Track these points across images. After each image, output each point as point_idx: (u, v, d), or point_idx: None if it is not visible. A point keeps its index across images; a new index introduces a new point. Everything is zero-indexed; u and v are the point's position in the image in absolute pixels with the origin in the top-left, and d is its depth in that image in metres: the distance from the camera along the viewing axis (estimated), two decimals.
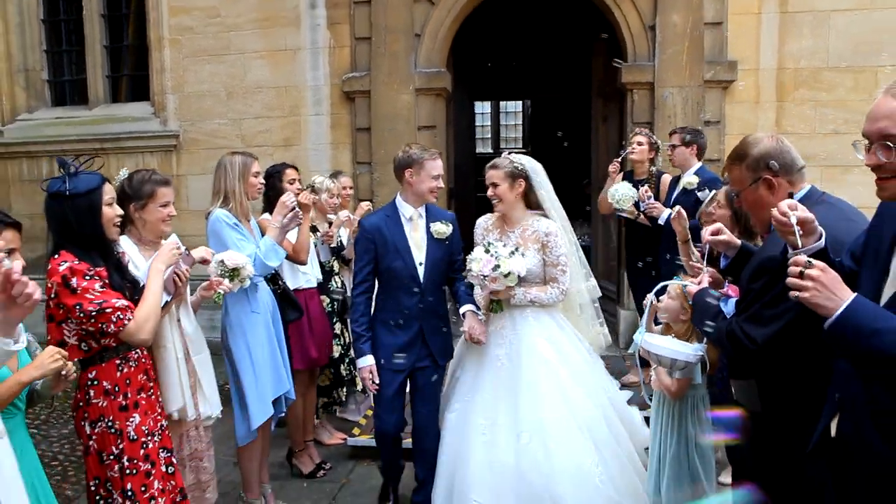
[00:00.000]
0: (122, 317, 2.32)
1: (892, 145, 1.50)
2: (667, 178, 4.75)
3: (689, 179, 4.39)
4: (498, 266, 3.07)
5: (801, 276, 1.58)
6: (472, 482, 3.11)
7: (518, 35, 8.79)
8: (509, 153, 3.41)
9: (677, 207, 3.40)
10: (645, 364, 3.47)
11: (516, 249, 3.15)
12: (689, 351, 2.67)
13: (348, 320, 3.22)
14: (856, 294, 1.57)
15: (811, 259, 1.60)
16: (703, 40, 5.68)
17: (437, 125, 6.20)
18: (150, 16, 6.64)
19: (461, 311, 3.33)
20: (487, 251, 3.13)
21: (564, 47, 8.80)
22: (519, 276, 3.12)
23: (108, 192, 2.50)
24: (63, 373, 2.16)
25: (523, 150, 14.08)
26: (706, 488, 2.94)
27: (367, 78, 6.09)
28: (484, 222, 3.47)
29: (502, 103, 14.44)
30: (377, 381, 3.24)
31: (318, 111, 6.36)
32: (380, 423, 3.38)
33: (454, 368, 3.53)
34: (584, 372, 3.31)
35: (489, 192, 3.30)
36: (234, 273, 2.95)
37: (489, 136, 14.63)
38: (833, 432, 1.76)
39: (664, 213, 4.43)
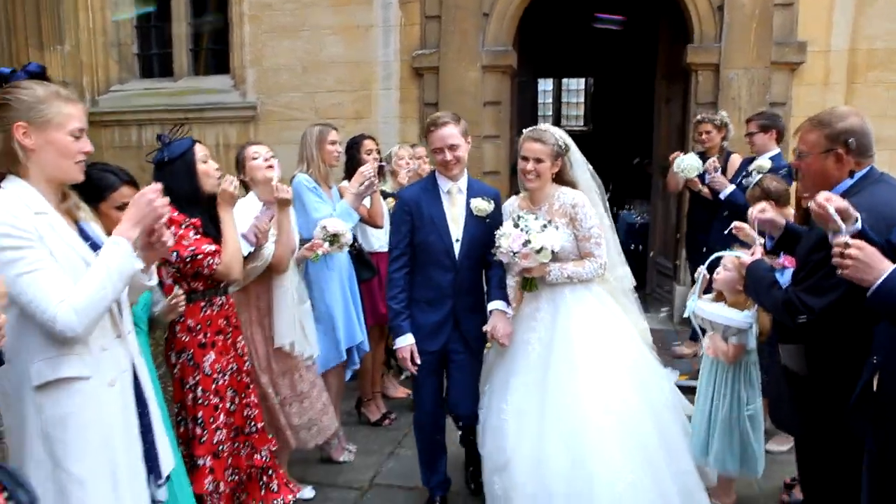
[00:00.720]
0: (212, 261, 2.69)
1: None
2: (736, 158, 4.85)
3: (762, 163, 4.45)
4: (529, 241, 2.84)
5: (842, 255, 1.80)
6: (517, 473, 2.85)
7: (584, 13, 8.83)
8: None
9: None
10: (695, 337, 3.62)
11: (549, 222, 2.92)
12: (740, 318, 2.85)
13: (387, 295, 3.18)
14: (894, 266, 1.75)
15: (849, 240, 1.80)
16: (772, 21, 5.66)
17: (501, 101, 6.39)
18: None
19: (488, 308, 3.12)
20: (517, 225, 2.89)
21: (629, 26, 8.80)
22: (553, 252, 2.89)
23: (200, 150, 2.86)
24: (173, 302, 2.57)
25: (584, 129, 14.08)
26: (755, 451, 3.13)
27: (435, 55, 6.31)
28: (510, 205, 3.19)
29: (564, 81, 14.42)
30: (417, 362, 3.08)
31: (388, 86, 6.63)
32: (420, 414, 3.28)
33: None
34: (633, 361, 3.03)
35: (527, 167, 2.98)
36: (334, 238, 3.34)
37: (550, 113, 14.67)
38: (875, 388, 1.95)
39: (727, 189, 4.55)
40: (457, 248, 3.08)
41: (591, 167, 3.25)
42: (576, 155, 3.16)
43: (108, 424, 1.92)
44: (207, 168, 2.85)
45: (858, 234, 1.87)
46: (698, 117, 5.04)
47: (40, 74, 1.94)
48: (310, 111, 6.83)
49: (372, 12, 6.57)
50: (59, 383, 1.84)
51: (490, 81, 6.27)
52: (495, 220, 3.09)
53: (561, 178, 3.08)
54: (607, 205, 3.32)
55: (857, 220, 1.90)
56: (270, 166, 3.17)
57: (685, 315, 3.19)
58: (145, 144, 7.41)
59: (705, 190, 4.77)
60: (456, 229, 3.08)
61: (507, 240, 2.88)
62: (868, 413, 1.99)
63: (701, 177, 4.80)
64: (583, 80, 14.22)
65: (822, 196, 1.94)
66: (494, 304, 3.10)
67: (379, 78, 6.65)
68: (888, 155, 5.37)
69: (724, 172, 4.74)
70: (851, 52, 5.70)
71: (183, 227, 2.68)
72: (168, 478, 2.21)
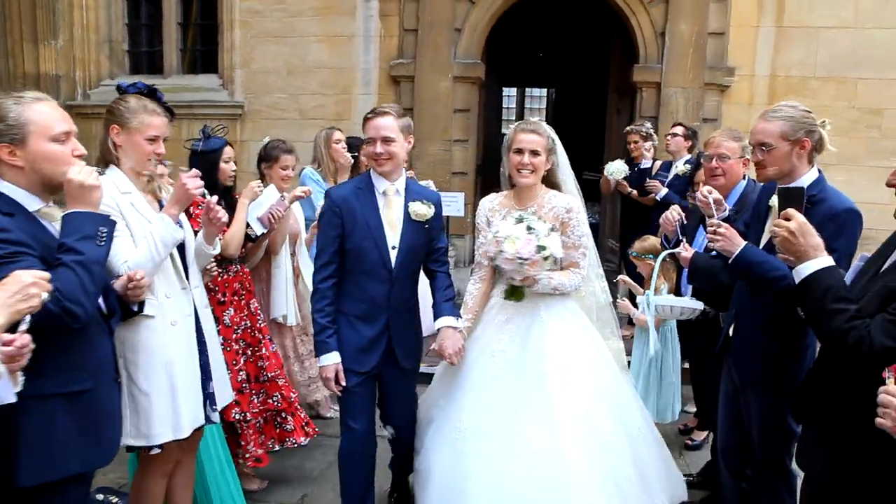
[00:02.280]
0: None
1: (764, 149, 2.43)
2: (657, 163, 5.71)
3: (683, 168, 5.30)
4: (543, 248, 2.61)
5: (714, 234, 2.56)
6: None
7: (545, 29, 9.63)
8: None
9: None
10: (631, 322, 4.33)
11: (553, 227, 2.73)
12: (697, 305, 3.18)
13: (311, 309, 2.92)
14: (746, 242, 2.53)
15: (721, 222, 2.58)
16: (706, 48, 6.53)
17: (470, 108, 7.13)
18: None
19: (436, 326, 2.85)
20: (520, 222, 2.68)
21: (586, 43, 9.64)
22: (555, 260, 2.69)
23: (229, 152, 3.48)
24: (208, 267, 3.16)
25: None
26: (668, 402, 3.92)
27: (412, 65, 7.00)
28: (489, 203, 3.00)
29: (528, 90, 15.28)
30: (343, 383, 2.78)
31: (367, 91, 7.29)
32: (349, 434, 2.88)
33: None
34: (609, 386, 2.83)
35: (523, 159, 2.79)
36: None
37: (513, 118, 15.50)
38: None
39: (662, 191, 5.37)
40: (393, 256, 2.79)
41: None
42: (562, 157, 2.96)
43: (169, 354, 2.51)
44: (227, 168, 3.47)
45: (725, 220, 2.65)
46: (627, 128, 5.91)
47: (147, 91, 2.55)
48: (294, 111, 7.44)
49: (354, 23, 7.22)
50: (133, 319, 2.44)
51: (460, 91, 6.99)
52: (433, 225, 2.89)
53: (548, 180, 2.92)
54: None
55: (726, 209, 2.67)
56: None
57: (642, 309, 3.39)
58: None
59: (634, 192, 5.63)
60: (392, 235, 2.79)
61: (514, 244, 2.62)
62: (727, 354, 2.77)
63: (632, 179, 5.67)
64: (545, 90, 15.11)
65: (706, 189, 2.70)
66: (443, 321, 2.83)
67: (359, 83, 7.29)
68: None
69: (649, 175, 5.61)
70: (772, 77, 6.61)
71: (199, 207, 3.31)
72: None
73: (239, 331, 3.45)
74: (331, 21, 7.27)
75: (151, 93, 2.56)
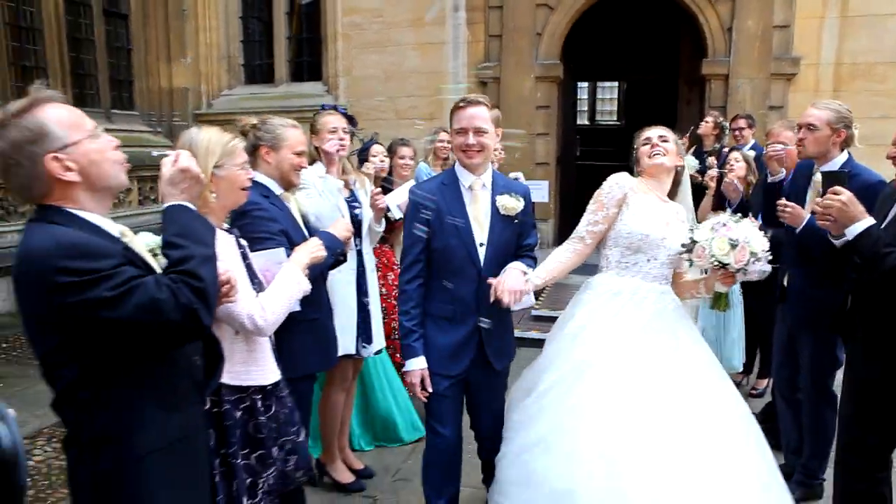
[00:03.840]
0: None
1: (810, 129, 3.09)
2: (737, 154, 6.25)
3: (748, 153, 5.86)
4: (755, 255, 2.51)
5: (783, 211, 3.22)
6: None
7: (617, 26, 10.20)
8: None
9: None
10: None
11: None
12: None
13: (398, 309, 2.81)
14: (810, 215, 3.19)
15: (787, 202, 3.24)
16: (772, 40, 7.01)
17: (550, 105, 7.85)
18: (327, 15, 8.59)
19: (507, 267, 2.64)
20: (740, 222, 2.57)
21: (656, 38, 10.15)
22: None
23: (375, 150, 4.34)
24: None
25: (619, 123, 15.46)
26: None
27: (497, 67, 7.79)
28: (628, 181, 2.77)
29: (599, 84, 15.81)
30: (429, 389, 2.68)
31: (457, 93, 8.11)
32: (436, 439, 2.78)
33: (541, 371, 2.78)
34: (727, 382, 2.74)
35: (655, 147, 2.76)
36: None
37: (586, 109, 16.05)
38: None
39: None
40: (482, 253, 2.67)
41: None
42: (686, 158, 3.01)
43: (336, 293, 3.26)
44: (377, 161, 4.28)
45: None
46: (708, 112, 6.43)
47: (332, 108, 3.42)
48: (391, 112, 8.36)
49: (444, 32, 8.08)
50: None
51: (542, 89, 7.73)
52: (524, 220, 2.78)
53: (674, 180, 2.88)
54: None
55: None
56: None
57: None
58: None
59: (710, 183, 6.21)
60: (480, 232, 2.68)
61: (732, 255, 2.50)
62: (783, 303, 3.44)
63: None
64: (616, 84, 15.59)
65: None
66: (514, 264, 2.66)
67: (449, 85, 8.14)
68: (867, 150, 6.68)
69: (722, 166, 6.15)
70: (837, 65, 7.02)
71: None
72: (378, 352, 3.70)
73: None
74: (424, 31, 8.15)
75: (334, 108, 3.42)
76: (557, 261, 2.82)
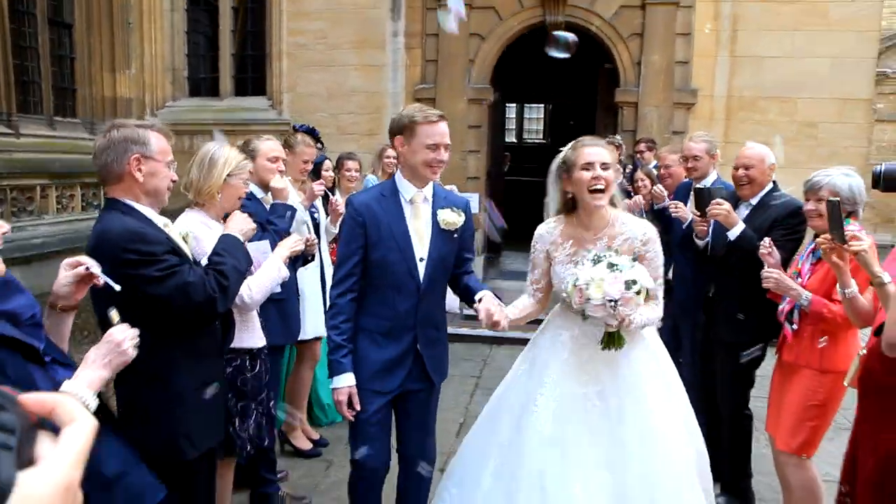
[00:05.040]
0: None
1: (696, 160, 3.91)
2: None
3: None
4: (634, 282, 2.33)
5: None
6: None
7: (542, 55, 11.12)
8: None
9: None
10: None
11: (635, 258, 2.46)
12: None
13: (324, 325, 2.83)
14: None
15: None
16: (674, 74, 8.01)
17: (482, 124, 8.60)
18: (272, 34, 9.06)
19: (477, 297, 2.58)
20: (601, 262, 2.39)
21: (577, 67, 11.13)
22: (647, 292, 2.40)
23: (327, 165, 4.91)
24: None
25: (544, 141, 16.50)
26: None
27: (433, 89, 8.47)
28: (548, 234, 2.69)
29: (526, 105, 16.87)
30: (357, 407, 2.57)
31: (395, 111, 8.74)
32: (361, 457, 2.65)
33: (492, 410, 2.77)
34: (685, 411, 2.67)
35: (596, 174, 2.50)
36: None
37: (514, 128, 17.04)
38: None
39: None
40: (421, 268, 2.61)
41: None
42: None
43: (306, 283, 3.96)
44: (328, 175, 4.87)
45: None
46: (638, 140, 7.29)
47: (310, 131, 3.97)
48: (334, 128, 8.88)
49: (384, 55, 8.69)
50: None
51: (473, 110, 8.47)
52: (464, 234, 2.72)
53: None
54: None
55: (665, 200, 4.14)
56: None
57: None
58: (195, 150, 9.34)
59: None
60: (420, 247, 2.61)
61: (601, 288, 2.33)
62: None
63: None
64: (542, 105, 16.68)
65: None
66: (485, 292, 2.59)
67: (388, 105, 8.75)
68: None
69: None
70: (728, 97, 8.09)
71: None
72: None
73: None
74: (365, 53, 8.75)
75: (310, 131, 3.99)
76: (524, 305, 2.81)
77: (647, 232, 2.60)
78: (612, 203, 2.62)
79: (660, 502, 2.39)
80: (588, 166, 2.51)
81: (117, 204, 2.07)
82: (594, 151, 2.54)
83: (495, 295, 2.61)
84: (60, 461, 0.53)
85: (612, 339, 2.46)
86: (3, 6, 7.58)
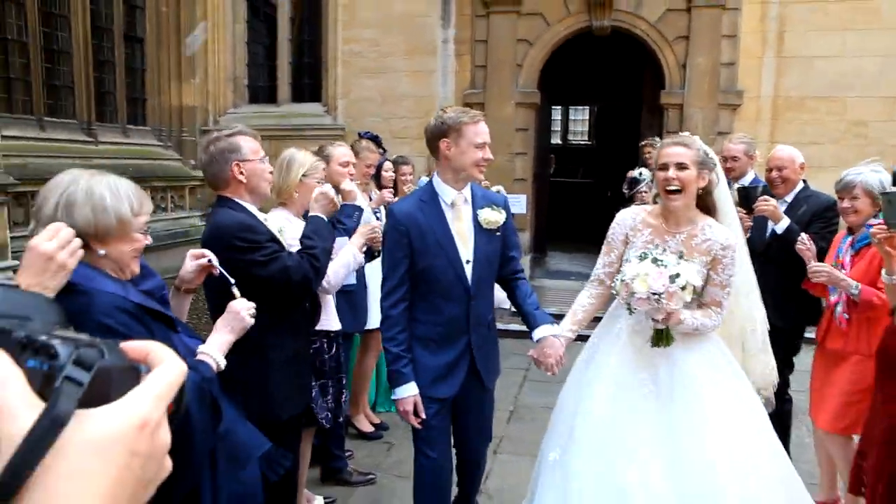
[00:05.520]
0: None
1: (735, 160, 4.10)
2: None
3: None
4: (677, 275, 2.33)
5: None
6: None
7: (588, 58, 11.32)
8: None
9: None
10: None
11: (681, 255, 2.46)
12: None
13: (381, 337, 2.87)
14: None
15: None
16: (719, 75, 8.11)
17: (528, 128, 8.86)
18: (328, 43, 9.51)
19: (536, 335, 2.64)
20: (646, 258, 2.42)
21: (623, 69, 11.29)
22: (694, 289, 2.42)
23: (388, 166, 5.25)
24: None
25: (589, 143, 16.63)
26: None
27: (482, 94, 8.77)
28: (630, 219, 2.69)
29: (571, 108, 17.02)
30: (422, 415, 2.61)
31: None
32: (426, 462, 2.72)
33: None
34: (760, 423, 2.60)
35: (670, 174, 2.50)
36: None
37: (559, 129, 17.20)
38: None
39: None
40: (468, 271, 2.61)
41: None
42: (721, 179, 2.69)
43: (373, 278, 4.31)
44: (388, 175, 5.19)
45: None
46: (642, 142, 7.45)
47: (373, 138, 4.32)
48: (386, 132, 9.20)
49: (435, 61, 9.04)
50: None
51: (521, 113, 8.73)
52: (506, 232, 2.72)
53: (703, 201, 2.63)
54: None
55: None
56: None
57: None
58: None
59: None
60: (465, 249, 2.61)
61: (645, 282, 2.35)
62: None
63: None
64: (587, 107, 16.81)
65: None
66: (543, 331, 2.63)
67: (438, 109, 9.05)
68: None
69: None
70: (775, 98, 8.15)
71: None
72: None
73: None
74: (416, 60, 9.11)
75: (374, 138, 4.32)
76: (582, 309, 2.81)
77: (730, 238, 2.58)
78: (709, 208, 2.64)
79: (712, 485, 2.37)
80: (664, 167, 2.54)
81: (227, 202, 2.44)
82: (670, 151, 2.55)
83: (551, 317, 2.70)
84: (136, 399, 0.52)
85: (661, 336, 2.49)
86: (86, 25, 8.21)
